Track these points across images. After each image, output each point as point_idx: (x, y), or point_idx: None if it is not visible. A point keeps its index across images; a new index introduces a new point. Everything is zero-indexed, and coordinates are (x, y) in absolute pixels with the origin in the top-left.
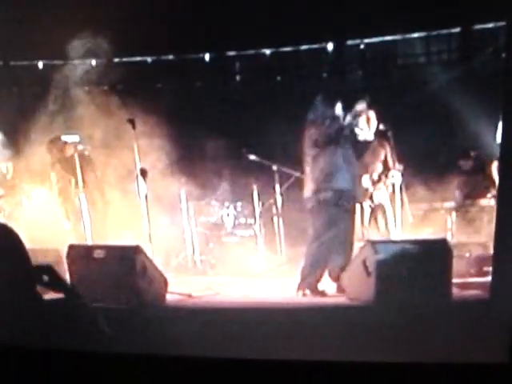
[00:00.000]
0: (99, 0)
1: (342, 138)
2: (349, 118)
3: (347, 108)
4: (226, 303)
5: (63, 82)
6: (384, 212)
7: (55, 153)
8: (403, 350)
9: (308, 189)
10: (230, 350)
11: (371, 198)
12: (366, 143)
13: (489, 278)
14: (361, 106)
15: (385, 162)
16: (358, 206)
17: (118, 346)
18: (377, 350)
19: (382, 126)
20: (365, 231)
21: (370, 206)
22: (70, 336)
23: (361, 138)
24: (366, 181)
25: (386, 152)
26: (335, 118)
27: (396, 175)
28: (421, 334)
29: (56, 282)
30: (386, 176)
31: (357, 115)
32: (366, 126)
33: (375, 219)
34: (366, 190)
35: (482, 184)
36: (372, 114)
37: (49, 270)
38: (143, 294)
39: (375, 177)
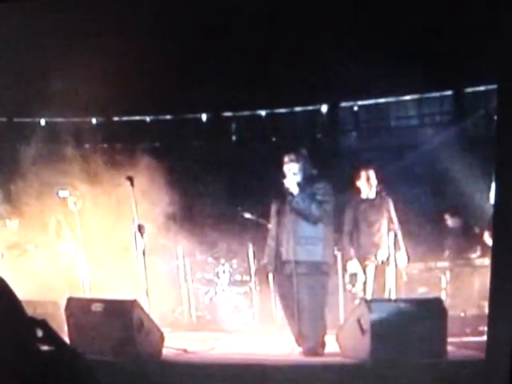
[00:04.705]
0: (101, 62)
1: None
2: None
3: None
4: (221, 359)
5: (64, 138)
6: (384, 271)
7: (57, 208)
8: None
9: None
10: None
11: (375, 257)
12: (369, 202)
13: (484, 338)
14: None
15: (388, 221)
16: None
17: None
18: None
19: (379, 186)
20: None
21: (375, 264)
22: None
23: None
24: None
25: (389, 210)
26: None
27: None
28: None
29: (49, 338)
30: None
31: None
32: (366, 186)
33: (374, 278)
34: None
35: (475, 244)
36: (372, 173)
37: (43, 324)
38: (139, 347)
39: (377, 237)
